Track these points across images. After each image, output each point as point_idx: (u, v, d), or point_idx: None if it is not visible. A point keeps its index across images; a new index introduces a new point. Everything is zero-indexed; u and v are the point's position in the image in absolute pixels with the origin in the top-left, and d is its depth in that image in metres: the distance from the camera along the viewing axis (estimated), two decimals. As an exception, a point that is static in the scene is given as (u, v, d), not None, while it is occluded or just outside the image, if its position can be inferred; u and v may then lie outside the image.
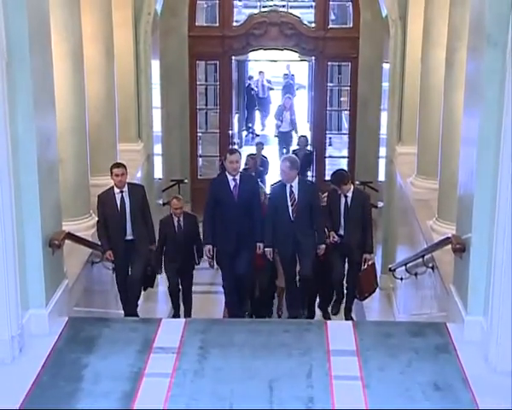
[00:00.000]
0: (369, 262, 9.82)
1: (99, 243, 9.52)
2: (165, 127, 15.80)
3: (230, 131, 17.65)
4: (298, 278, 9.39)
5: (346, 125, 18.68)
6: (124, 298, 9.76)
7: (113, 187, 9.41)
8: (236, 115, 20.24)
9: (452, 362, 7.08)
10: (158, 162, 15.14)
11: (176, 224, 10.49)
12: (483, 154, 7.01)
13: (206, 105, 18.23)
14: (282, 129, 20.91)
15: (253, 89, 23.74)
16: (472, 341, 7.28)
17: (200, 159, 17.93)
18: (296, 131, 20.47)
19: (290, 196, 9.02)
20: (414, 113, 12.53)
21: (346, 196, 9.63)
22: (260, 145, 16.45)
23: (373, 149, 15.96)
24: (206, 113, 18.35)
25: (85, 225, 9.87)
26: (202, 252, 10.03)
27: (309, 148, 17.33)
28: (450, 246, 7.90)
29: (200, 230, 10.29)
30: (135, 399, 6.46)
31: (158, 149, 15.11)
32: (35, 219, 7.27)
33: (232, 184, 9.05)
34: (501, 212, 6.73)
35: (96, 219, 9.68)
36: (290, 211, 9.04)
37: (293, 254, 9.20)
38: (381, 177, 15.01)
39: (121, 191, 9.37)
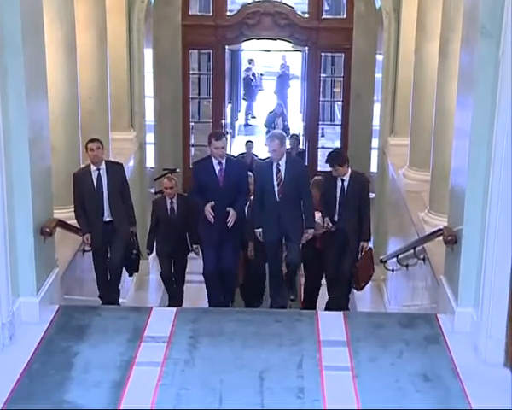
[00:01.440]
0: (365, 250, 9.43)
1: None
2: (157, 116, 15.77)
3: (223, 121, 17.62)
4: (284, 264, 9.08)
5: (338, 116, 18.70)
6: (100, 282, 9.32)
7: (89, 165, 8.97)
8: (229, 105, 20.20)
9: (443, 353, 7.10)
10: (150, 151, 15.12)
11: (169, 205, 10.11)
12: (476, 145, 7.01)
13: (199, 94, 18.22)
14: None
15: (252, 79, 23.71)
16: (462, 332, 7.30)
17: (192, 148, 17.89)
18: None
19: (277, 174, 8.54)
20: (407, 104, 12.53)
21: (342, 180, 9.12)
22: (250, 144, 16.08)
23: (365, 140, 15.94)
24: (199, 102, 18.35)
25: (77, 214, 9.83)
26: (195, 238, 9.75)
27: (301, 146, 17.19)
28: (441, 238, 7.91)
29: None
30: (125, 388, 6.45)
31: (150, 137, 15.09)
32: (26, 207, 7.25)
33: (218, 168, 8.47)
34: (493, 204, 6.74)
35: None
36: (276, 191, 8.56)
37: (279, 237, 8.80)
38: (374, 168, 15.03)
39: (98, 169, 8.90)
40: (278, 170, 8.54)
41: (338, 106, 18.56)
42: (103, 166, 8.94)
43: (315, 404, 6.30)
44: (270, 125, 20.79)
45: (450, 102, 9.21)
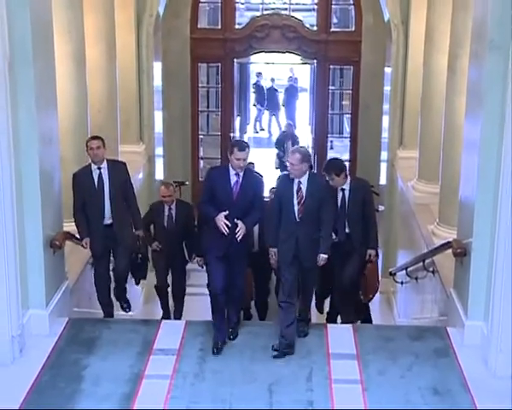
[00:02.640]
0: (373, 259, 8.90)
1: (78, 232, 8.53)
2: (166, 129, 15.79)
3: (232, 134, 17.64)
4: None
5: (347, 128, 18.69)
6: (101, 296, 8.76)
7: (90, 164, 8.44)
8: (238, 118, 20.19)
9: (452, 366, 7.09)
10: (159, 164, 15.14)
11: (166, 212, 9.65)
12: (485, 159, 7.02)
13: (208, 107, 18.23)
14: (285, 159, 19.85)
15: (276, 90, 23.82)
16: (472, 345, 7.29)
17: (201, 161, 17.92)
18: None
19: (297, 193, 7.70)
20: (415, 117, 12.53)
21: (342, 190, 8.59)
22: (251, 165, 15.65)
23: (374, 152, 15.93)
24: (208, 115, 18.36)
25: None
26: (194, 248, 9.31)
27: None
28: (450, 250, 7.90)
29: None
30: (134, 400, 6.46)
31: (159, 150, 15.10)
32: (36, 220, 7.28)
33: (234, 179, 7.60)
34: (502, 217, 6.73)
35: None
36: (296, 210, 7.69)
37: (293, 259, 7.85)
38: (383, 181, 15.01)
39: (99, 168, 8.36)
40: (299, 188, 7.72)
41: (347, 119, 18.56)
42: (105, 165, 8.42)
43: (324, 417, 6.31)
44: (280, 147, 20.36)
45: (458, 115, 9.22)
